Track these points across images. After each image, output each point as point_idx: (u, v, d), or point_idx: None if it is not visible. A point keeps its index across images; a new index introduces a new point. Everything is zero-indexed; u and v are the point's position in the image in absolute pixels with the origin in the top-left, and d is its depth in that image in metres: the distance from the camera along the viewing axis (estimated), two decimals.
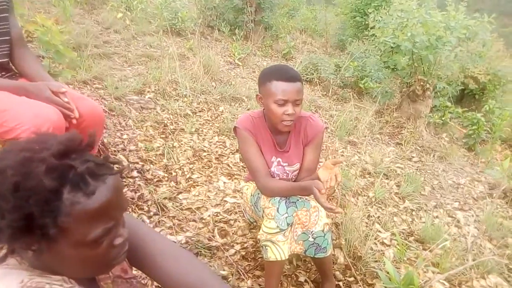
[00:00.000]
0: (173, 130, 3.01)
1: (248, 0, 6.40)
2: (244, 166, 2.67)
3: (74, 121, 1.56)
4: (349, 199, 2.62)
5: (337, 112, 4.45)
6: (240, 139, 1.63)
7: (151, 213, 2.07)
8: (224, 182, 2.53)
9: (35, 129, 0.73)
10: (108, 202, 0.69)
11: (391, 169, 3.35)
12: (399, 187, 3.04)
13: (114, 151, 2.52)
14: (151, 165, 2.49)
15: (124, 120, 2.93)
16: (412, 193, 2.97)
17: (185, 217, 2.12)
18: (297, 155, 1.68)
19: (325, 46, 8.21)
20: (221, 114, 3.55)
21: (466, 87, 5.94)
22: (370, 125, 4.31)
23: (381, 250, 2.19)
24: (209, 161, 2.76)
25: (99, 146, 2.39)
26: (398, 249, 2.16)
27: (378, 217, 2.54)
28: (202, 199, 2.31)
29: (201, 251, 1.88)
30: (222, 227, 2.10)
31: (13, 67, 1.72)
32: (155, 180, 2.37)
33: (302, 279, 1.83)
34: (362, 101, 5.20)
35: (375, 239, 2.23)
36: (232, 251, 1.93)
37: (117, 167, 0.76)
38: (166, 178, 2.42)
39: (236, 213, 2.24)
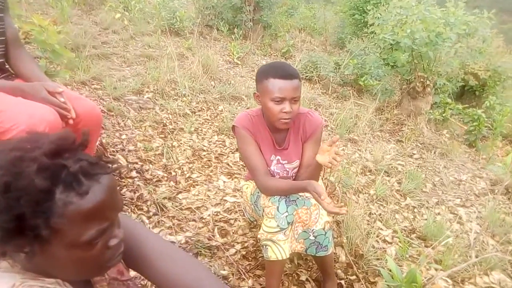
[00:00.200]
0: (172, 130, 2.99)
1: None
2: (244, 165, 2.66)
3: (71, 122, 1.54)
4: (350, 196, 2.60)
5: (337, 110, 4.43)
6: (239, 138, 1.61)
7: (151, 213, 2.06)
8: (224, 181, 2.52)
9: (30, 130, 0.72)
10: (102, 202, 0.67)
11: (392, 166, 3.33)
12: (400, 184, 3.02)
13: (113, 151, 2.50)
14: (150, 165, 2.48)
15: (123, 120, 2.92)
16: (414, 190, 2.95)
17: (185, 217, 2.10)
18: (296, 152, 1.66)
19: (324, 45, 8.19)
20: (221, 113, 3.54)
21: (466, 83, 5.91)
22: (371, 123, 4.29)
23: (383, 248, 2.17)
24: (209, 160, 2.74)
25: (97, 146, 2.38)
26: (400, 246, 2.14)
27: (380, 214, 2.52)
28: (202, 199, 2.29)
29: (201, 251, 1.86)
30: (222, 227, 2.09)
31: (9, 67, 1.70)
32: (154, 180, 2.35)
33: (303, 278, 1.82)
34: (362, 98, 5.17)
35: (377, 236, 2.22)
36: (232, 250, 1.92)
37: (111, 166, 0.74)
38: (165, 178, 2.40)
39: (236, 212, 2.23)
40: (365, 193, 2.77)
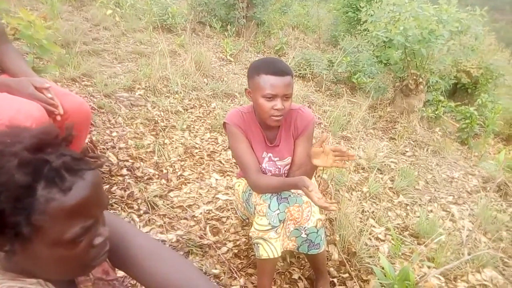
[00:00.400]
0: (164, 127, 2.96)
1: None
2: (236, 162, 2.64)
3: (59, 118, 1.51)
4: (343, 194, 2.59)
5: (330, 107, 4.42)
6: (230, 135, 1.59)
7: (141, 212, 2.03)
8: (216, 179, 2.49)
9: (11, 123, 0.69)
10: (86, 199, 0.65)
11: (385, 164, 3.33)
12: (393, 181, 3.02)
13: (103, 149, 2.47)
14: (141, 163, 2.45)
15: (114, 118, 2.88)
16: (406, 188, 2.95)
17: (176, 215, 2.07)
18: (288, 149, 1.64)
19: (317, 42, 8.18)
20: (213, 110, 3.51)
21: (458, 81, 5.95)
22: (364, 120, 4.29)
23: (376, 246, 2.17)
24: (201, 158, 2.71)
25: (87, 144, 2.34)
26: (393, 244, 2.13)
27: (373, 212, 2.52)
28: (194, 197, 2.27)
29: (192, 250, 1.84)
30: (214, 225, 2.06)
31: None
32: (145, 178, 2.32)
33: (295, 276, 1.80)
34: (355, 96, 5.17)
35: (370, 234, 2.21)
36: (224, 249, 1.90)
37: (96, 162, 0.71)
38: (156, 176, 2.37)
39: (228, 210, 2.20)
40: (358, 191, 2.76)
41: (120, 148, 2.53)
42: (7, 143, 0.63)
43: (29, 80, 1.50)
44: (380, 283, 1.49)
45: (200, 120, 3.29)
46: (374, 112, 4.78)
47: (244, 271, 1.79)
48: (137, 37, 4.83)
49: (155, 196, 2.14)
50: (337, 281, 1.83)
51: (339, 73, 5.62)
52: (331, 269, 1.89)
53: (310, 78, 5.37)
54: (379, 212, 2.50)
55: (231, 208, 2.21)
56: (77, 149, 0.99)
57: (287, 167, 1.68)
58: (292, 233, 1.49)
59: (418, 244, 2.29)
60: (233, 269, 1.77)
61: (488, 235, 2.58)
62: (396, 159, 3.56)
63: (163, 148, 2.65)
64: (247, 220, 2.00)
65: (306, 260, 1.82)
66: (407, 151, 3.89)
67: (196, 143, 2.87)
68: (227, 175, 2.57)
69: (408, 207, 2.75)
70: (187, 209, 2.14)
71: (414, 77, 4.54)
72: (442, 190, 3.20)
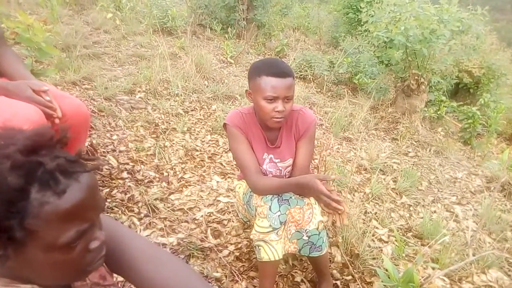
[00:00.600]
0: (165, 130, 2.95)
1: None
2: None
3: (57, 121, 1.50)
4: (345, 195, 2.57)
5: (331, 108, 4.40)
6: (230, 136, 1.57)
7: (142, 215, 2.01)
8: (217, 182, 2.47)
9: (4, 125, 0.68)
10: (81, 202, 0.63)
11: (387, 165, 3.31)
12: (396, 182, 2.99)
13: (104, 152, 2.45)
14: (142, 166, 2.43)
15: (114, 121, 2.87)
16: (409, 188, 2.92)
17: (177, 218, 2.06)
18: (289, 151, 1.62)
19: (318, 44, 8.17)
20: (214, 112, 3.49)
21: (460, 81, 5.92)
22: (365, 121, 4.27)
23: (379, 247, 2.14)
24: (202, 160, 2.70)
25: (87, 147, 2.33)
26: (396, 245, 2.11)
27: (375, 213, 2.49)
28: (195, 199, 2.25)
29: (193, 253, 1.81)
30: (215, 228, 2.04)
31: None
32: (146, 181, 2.30)
33: (298, 279, 1.78)
34: (356, 97, 5.15)
35: (373, 235, 2.18)
36: (225, 252, 1.88)
37: (91, 164, 0.70)
38: (157, 179, 2.35)
39: (229, 212, 2.18)
40: (361, 192, 2.74)
41: (120, 151, 2.52)
42: (0, 145, 0.61)
43: (27, 83, 1.49)
44: (384, 285, 1.47)
45: (201, 122, 3.27)
46: (376, 112, 4.76)
47: (246, 274, 1.77)
48: (138, 40, 4.83)
49: (155, 199, 2.13)
50: (340, 284, 1.80)
51: (340, 74, 5.61)
52: (334, 271, 1.87)
53: (311, 79, 5.35)
54: (382, 213, 2.47)
55: (232, 211, 2.19)
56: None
57: (289, 168, 1.66)
58: (293, 236, 1.47)
59: (422, 245, 2.27)
60: (235, 272, 1.75)
61: (492, 235, 2.55)
62: (399, 160, 3.54)
63: (164, 151, 2.64)
64: (248, 223, 1.98)
65: (309, 263, 1.80)
66: (409, 152, 3.86)
67: (197, 146, 2.86)
68: (228, 177, 2.55)
69: (411, 208, 2.72)
70: (188, 212, 2.12)
71: (416, 77, 4.52)
72: (446, 190, 3.17)
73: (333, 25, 8.74)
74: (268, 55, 6.45)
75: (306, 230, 1.46)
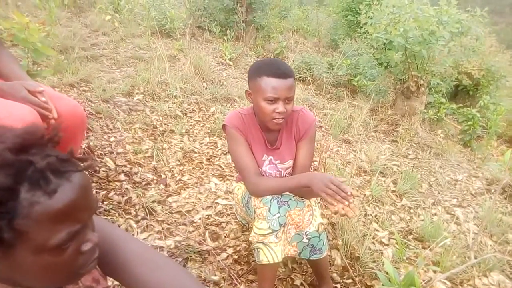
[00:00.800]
0: (163, 132, 2.92)
1: (239, 1, 6.33)
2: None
3: (53, 122, 1.47)
4: None
5: (331, 110, 4.38)
6: (229, 138, 1.55)
7: (139, 218, 1.98)
8: (216, 184, 2.45)
9: None
10: (72, 202, 0.61)
11: (387, 167, 3.29)
12: (396, 184, 2.97)
13: (101, 154, 2.43)
14: (140, 168, 2.41)
15: (112, 123, 2.84)
16: (410, 191, 2.90)
17: (175, 220, 2.03)
18: (289, 152, 1.60)
19: (317, 46, 8.17)
20: (213, 114, 3.47)
21: (460, 83, 5.91)
22: (365, 123, 4.25)
23: (380, 250, 2.11)
24: (200, 162, 2.67)
25: (84, 149, 2.31)
26: (397, 248, 2.08)
27: (376, 215, 2.47)
28: (193, 202, 2.22)
29: (191, 256, 1.79)
30: (213, 230, 2.02)
31: None
32: (143, 183, 2.28)
33: (297, 282, 1.75)
34: (356, 99, 5.14)
35: (373, 238, 2.16)
36: (224, 255, 1.85)
37: (83, 163, 0.68)
38: (155, 181, 2.33)
39: (228, 215, 2.16)
40: (361, 194, 2.71)
41: (118, 153, 2.49)
42: None
43: (22, 84, 1.46)
44: None
45: (199, 124, 3.25)
46: (375, 114, 4.74)
47: (245, 278, 1.74)
48: (136, 42, 4.82)
49: (153, 202, 2.10)
50: (341, 287, 1.77)
51: (340, 76, 5.60)
52: (334, 274, 1.84)
53: (310, 81, 5.34)
54: (382, 215, 2.45)
55: (231, 213, 2.16)
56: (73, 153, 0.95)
57: (288, 170, 1.64)
58: (293, 238, 1.44)
59: (423, 248, 2.24)
60: (233, 276, 1.72)
61: (494, 238, 2.53)
62: (399, 162, 3.52)
63: (162, 153, 2.61)
64: (247, 225, 1.96)
65: (308, 266, 1.77)
66: (409, 154, 3.84)
67: (195, 148, 2.84)
68: (227, 179, 2.53)
69: (411, 211, 2.70)
70: (186, 215, 2.09)
71: (415, 79, 4.50)
72: (446, 192, 3.15)
73: (332, 27, 8.75)
74: (267, 57, 6.44)
75: (306, 232, 1.43)
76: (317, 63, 5.50)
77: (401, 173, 3.16)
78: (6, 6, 4.44)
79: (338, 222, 2.12)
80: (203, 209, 2.18)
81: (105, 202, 2.00)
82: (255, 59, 6.08)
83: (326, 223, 2.07)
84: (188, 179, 2.43)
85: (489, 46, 6.36)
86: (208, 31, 6.22)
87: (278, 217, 1.38)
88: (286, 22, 9.07)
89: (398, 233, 2.34)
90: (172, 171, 2.48)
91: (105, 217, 1.90)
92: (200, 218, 2.08)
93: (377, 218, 2.43)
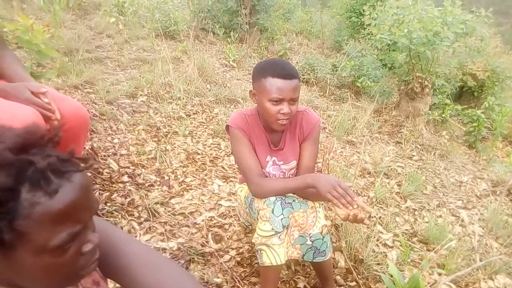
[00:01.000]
0: (166, 133, 2.92)
1: (243, 3, 6.33)
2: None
3: (56, 123, 1.48)
4: None
5: (335, 112, 4.37)
6: (233, 139, 1.54)
7: (142, 219, 1.98)
8: (219, 185, 2.44)
9: None
10: (73, 203, 0.60)
11: (391, 168, 3.27)
12: (400, 186, 2.95)
13: (104, 155, 2.43)
14: (143, 170, 2.40)
15: (115, 124, 2.84)
16: (414, 192, 2.88)
17: (178, 222, 2.02)
18: (292, 152, 1.59)
19: (321, 47, 8.15)
20: (216, 116, 3.47)
21: (464, 84, 5.88)
22: (369, 125, 4.23)
23: (384, 252, 2.10)
24: (203, 163, 2.67)
25: (87, 150, 2.31)
26: (401, 250, 2.07)
27: (380, 217, 2.45)
28: (196, 203, 2.22)
29: (194, 258, 1.78)
30: (216, 232, 2.01)
31: None
32: (146, 184, 2.28)
33: (301, 285, 1.74)
34: (360, 100, 5.12)
35: (377, 240, 2.14)
36: (227, 257, 1.84)
37: (84, 163, 0.67)
38: (158, 183, 2.33)
39: (231, 217, 2.15)
40: (364, 196, 2.70)
41: (121, 155, 2.50)
42: None
43: (25, 85, 1.47)
44: None
45: (203, 125, 3.25)
46: (379, 116, 4.72)
47: (248, 280, 1.73)
48: (140, 44, 4.83)
49: (156, 203, 2.10)
50: None
51: (343, 78, 5.58)
52: (338, 277, 1.83)
53: (314, 82, 5.33)
54: (387, 217, 2.43)
55: (234, 215, 2.15)
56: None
57: (292, 171, 1.63)
58: (296, 241, 1.43)
59: (428, 250, 2.22)
60: (236, 278, 1.72)
61: (499, 240, 2.51)
62: (403, 164, 3.50)
63: (165, 154, 2.61)
64: (250, 227, 1.95)
65: (312, 268, 1.76)
66: (413, 155, 3.82)
67: (199, 149, 2.83)
68: (230, 181, 2.52)
69: (416, 212, 2.68)
70: (189, 216, 2.09)
71: (420, 80, 4.48)
72: (451, 194, 3.13)
73: (336, 29, 8.73)
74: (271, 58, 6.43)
75: (309, 234, 1.42)
76: (320, 64, 5.49)
77: (406, 174, 3.14)
78: (12, 9, 4.47)
79: (342, 224, 2.11)
80: (206, 210, 2.17)
81: (108, 204, 2.00)
82: (259, 60, 6.08)
83: (329, 225, 2.06)
84: (191, 181, 2.43)
85: (494, 47, 6.32)
86: (212, 33, 6.23)
87: (282, 219, 1.37)
88: (289, 24, 9.07)
89: (403, 235, 2.32)
90: (175, 172, 2.48)
91: (108, 218, 1.90)
92: (203, 220, 2.07)
93: (381, 220, 2.41)
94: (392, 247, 2.17)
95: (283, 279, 1.75)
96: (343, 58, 5.70)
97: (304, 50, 7.26)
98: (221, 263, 1.79)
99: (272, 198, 1.42)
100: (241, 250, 1.90)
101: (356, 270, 1.87)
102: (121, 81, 3.63)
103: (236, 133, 1.52)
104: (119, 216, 1.95)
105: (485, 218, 2.78)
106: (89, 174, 2.14)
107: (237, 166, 2.63)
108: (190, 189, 2.35)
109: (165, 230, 1.94)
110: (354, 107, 4.65)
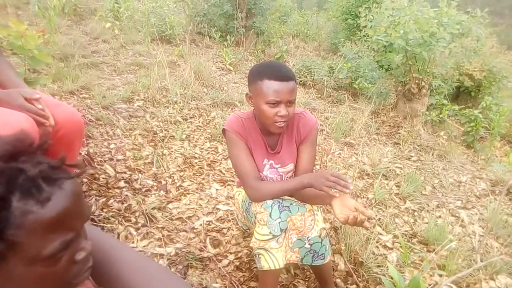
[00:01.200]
0: (163, 138, 2.91)
1: (239, 6, 6.34)
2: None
3: (50, 129, 1.46)
4: None
5: (332, 113, 4.36)
6: (229, 142, 1.53)
7: (139, 225, 1.96)
8: (217, 189, 2.43)
9: None
10: (66, 210, 0.59)
11: (390, 170, 3.25)
12: (399, 187, 2.94)
13: (101, 161, 2.41)
14: (140, 174, 2.38)
15: (112, 129, 2.83)
16: (413, 193, 2.87)
17: (175, 227, 2.00)
18: (289, 155, 1.57)
19: (318, 50, 8.16)
20: (213, 119, 3.45)
21: (461, 84, 5.89)
22: (367, 126, 4.22)
23: (384, 254, 2.08)
24: (201, 168, 2.65)
25: (83, 156, 2.29)
26: (401, 252, 2.05)
27: (379, 219, 2.43)
28: (193, 208, 2.20)
29: (192, 263, 1.76)
30: (214, 237, 1.99)
31: None
32: (143, 189, 2.26)
33: None
34: (357, 102, 5.12)
35: (377, 242, 2.12)
36: (225, 261, 1.82)
37: (75, 170, 0.66)
38: (155, 187, 2.31)
39: (229, 221, 2.13)
40: (363, 197, 2.69)
41: (118, 160, 2.48)
42: None
43: (18, 91, 1.45)
44: None
45: (200, 129, 3.23)
46: (377, 117, 4.72)
47: (247, 285, 1.71)
48: (136, 49, 4.82)
49: (153, 208, 2.08)
50: None
51: (340, 80, 5.58)
52: (338, 280, 1.81)
53: (311, 85, 5.32)
54: (386, 219, 2.41)
55: (232, 219, 2.13)
56: (71, 161, 0.93)
57: (289, 174, 1.61)
58: (295, 244, 1.42)
59: (428, 251, 2.20)
60: (235, 283, 1.70)
61: (500, 240, 2.49)
62: (401, 164, 3.48)
63: (162, 159, 2.60)
64: (248, 231, 1.93)
65: (311, 272, 1.74)
66: (412, 156, 3.81)
67: (196, 153, 2.82)
68: (228, 185, 2.50)
69: (415, 213, 2.67)
70: (187, 221, 2.07)
71: (417, 81, 4.48)
72: (450, 194, 3.12)
73: (332, 31, 8.74)
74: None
75: (308, 237, 1.40)
76: (317, 66, 5.49)
77: (404, 175, 3.13)
78: (7, 15, 4.46)
79: (341, 226, 2.09)
80: (203, 215, 2.15)
81: (104, 210, 1.98)
82: (256, 63, 6.07)
83: (328, 228, 2.04)
84: (188, 185, 2.41)
85: (490, 47, 6.34)
86: (208, 37, 6.22)
87: (279, 222, 1.36)
88: (286, 27, 9.08)
89: (402, 237, 2.31)
90: (173, 177, 2.46)
91: (104, 225, 1.88)
92: (200, 225, 2.05)
93: (380, 222, 2.39)
94: (392, 248, 2.16)
95: (283, 283, 1.73)
96: (339, 60, 5.71)
97: (300, 53, 7.26)
98: (219, 268, 1.77)
99: (270, 202, 1.40)
100: (239, 255, 1.88)
101: (356, 273, 1.85)
102: (117, 86, 3.62)
103: (232, 136, 1.51)
104: (116, 222, 1.93)
105: (485, 218, 2.77)
106: (85, 180, 2.12)
107: (234, 170, 2.62)
108: (188, 193, 2.33)
109: (163, 236, 1.91)
110: (352, 109, 4.64)
